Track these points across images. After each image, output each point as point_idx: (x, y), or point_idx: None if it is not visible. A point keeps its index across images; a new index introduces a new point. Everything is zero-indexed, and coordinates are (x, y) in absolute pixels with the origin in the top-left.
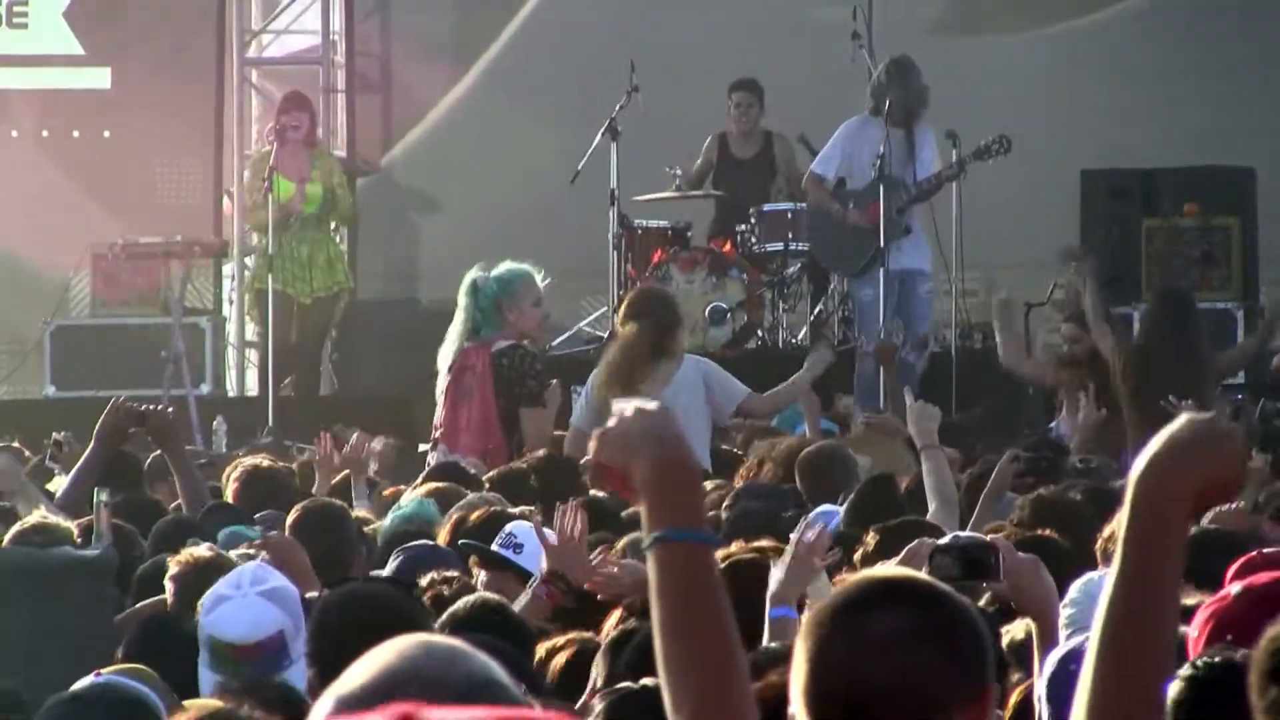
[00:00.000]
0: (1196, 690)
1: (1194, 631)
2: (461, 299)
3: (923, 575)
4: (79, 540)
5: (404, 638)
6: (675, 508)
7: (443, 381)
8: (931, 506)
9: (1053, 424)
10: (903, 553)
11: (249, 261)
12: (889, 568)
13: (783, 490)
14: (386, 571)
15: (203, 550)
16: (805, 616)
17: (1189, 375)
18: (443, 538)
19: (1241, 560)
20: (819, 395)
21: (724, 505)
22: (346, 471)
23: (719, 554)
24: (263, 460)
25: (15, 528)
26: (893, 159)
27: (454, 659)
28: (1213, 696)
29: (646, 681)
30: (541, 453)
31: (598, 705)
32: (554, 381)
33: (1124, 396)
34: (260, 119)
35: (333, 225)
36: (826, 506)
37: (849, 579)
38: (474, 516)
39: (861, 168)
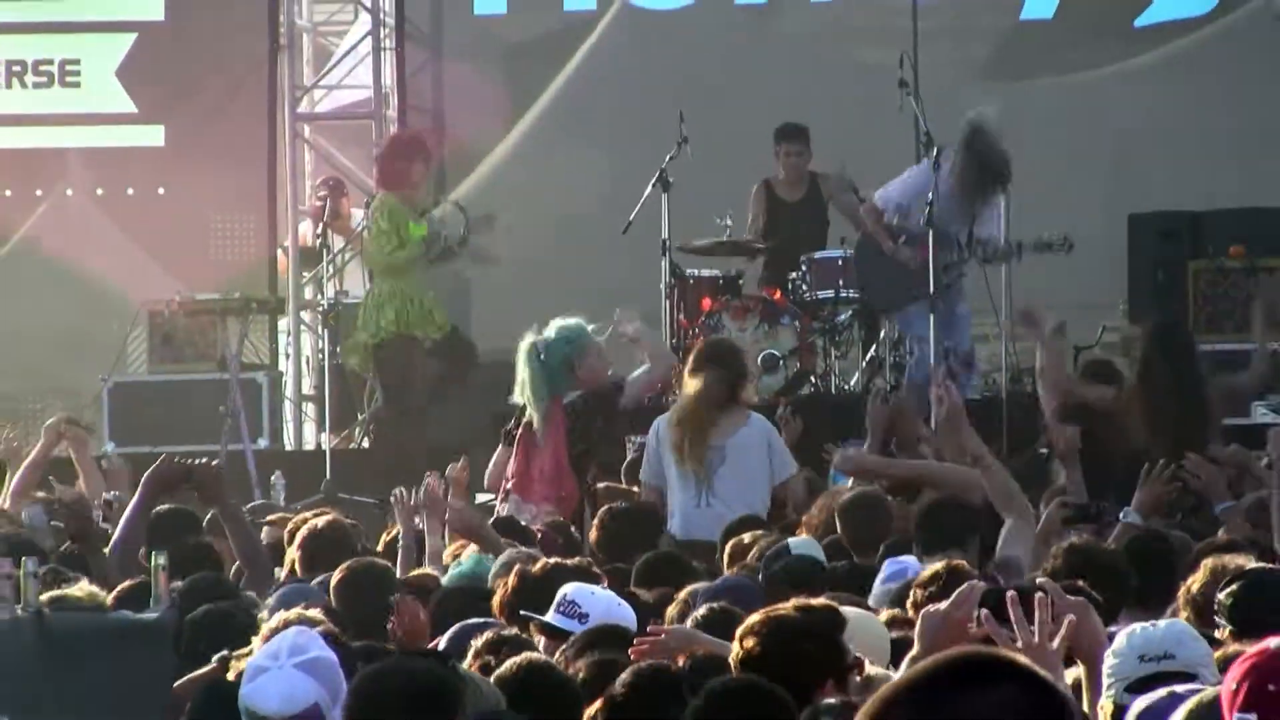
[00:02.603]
0: None
1: (1231, 683)
2: (524, 366)
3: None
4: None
5: None
6: None
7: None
8: (1008, 522)
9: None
10: (953, 596)
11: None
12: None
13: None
14: (442, 643)
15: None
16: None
17: (1187, 408)
18: (497, 600)
19: None
20: None
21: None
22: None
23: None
24: (321, 519)
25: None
26: (949, 213)
27: None
28: None
29: None
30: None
31: None
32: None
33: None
34: (313, 174)
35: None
36: (901, 560)
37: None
38: (536, 569)
39: (919, 213)
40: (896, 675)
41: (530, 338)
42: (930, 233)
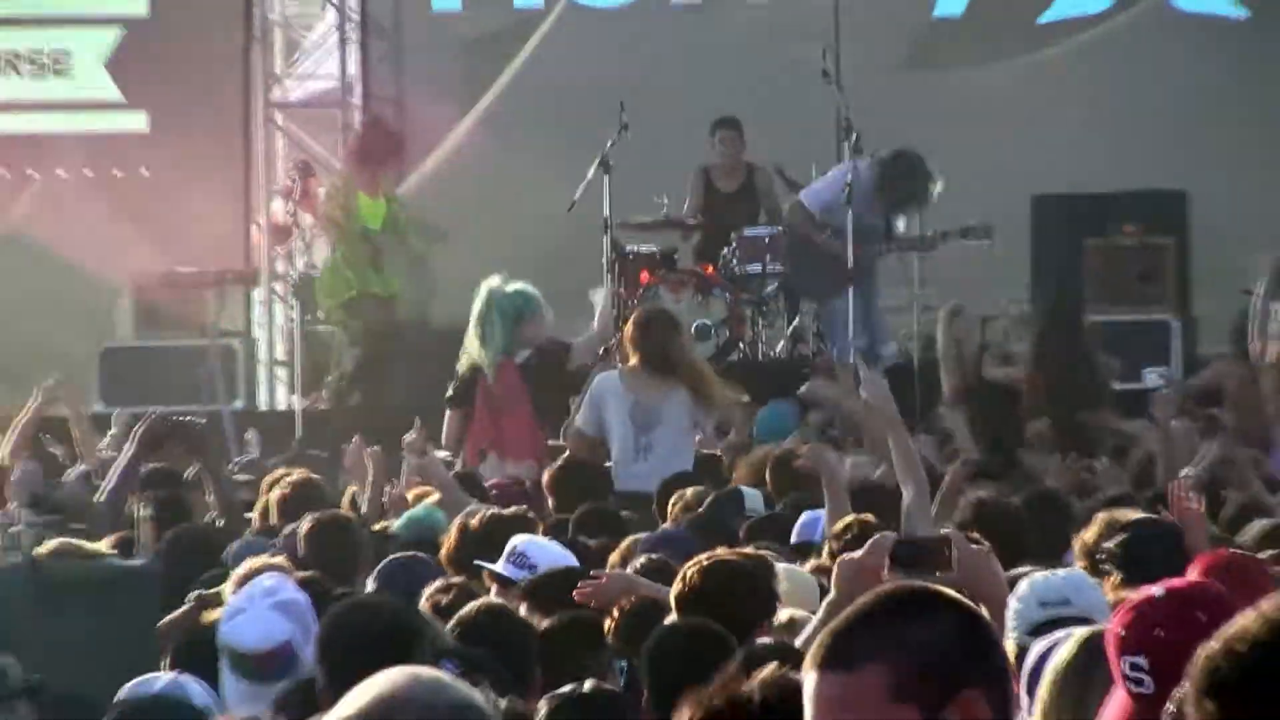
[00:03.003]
0: None
1: (1119, 628)
2: (479, 306)
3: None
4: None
5: (396, 669)
6: None
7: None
8: (906, 494)
9: None
10: (867, 545)
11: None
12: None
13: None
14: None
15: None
16: None
17: (1080, 378)
18: (447, 546)
19: (1210, 559)
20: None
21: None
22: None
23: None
24: (297, 474)
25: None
26: (869, 208)
27: (440, 689)
28: None
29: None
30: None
31: (542, 707)
32: None
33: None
34: (284, 156)
35: None
36: (816, 513)
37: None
38: (478, 521)
39: (842, 210)
40: (816, 618)
41: (491, 284)
42: (851, 226)
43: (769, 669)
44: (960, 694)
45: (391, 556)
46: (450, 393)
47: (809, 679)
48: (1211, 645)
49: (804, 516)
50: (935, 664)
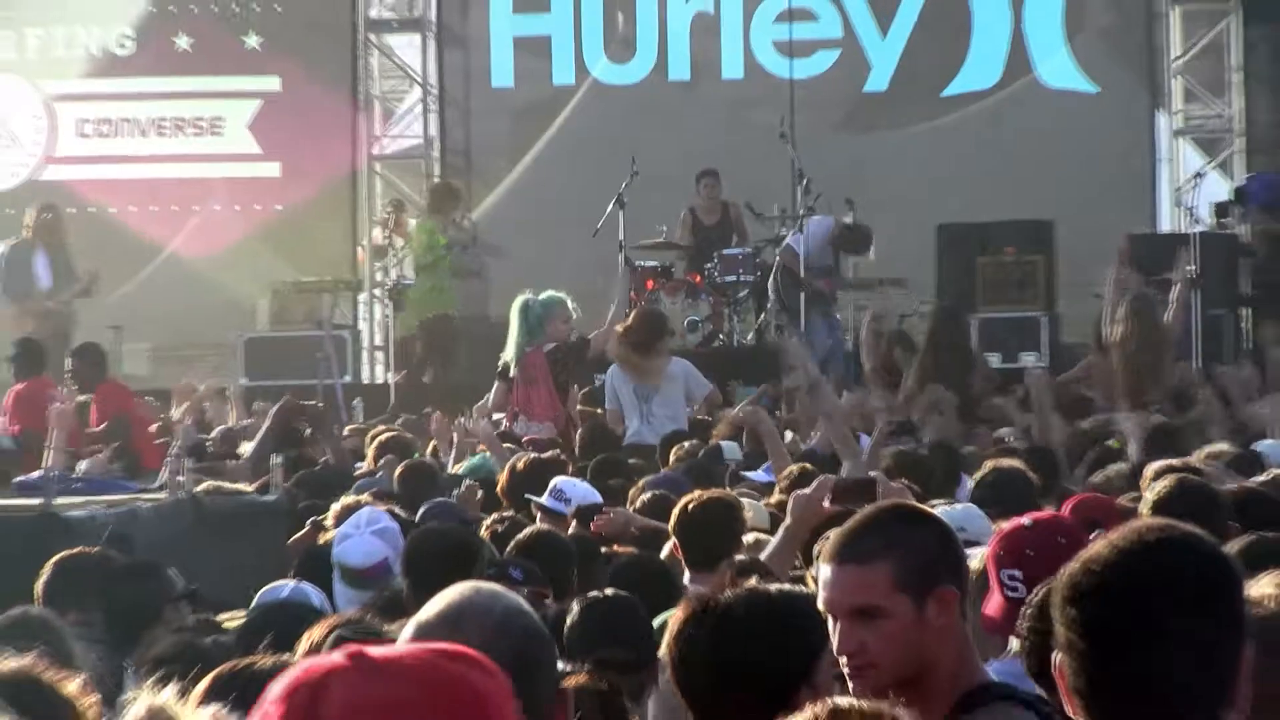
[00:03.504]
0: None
1: (996, 549)
2: (515, 315)
3: None
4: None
5: (463, 584)
6: None
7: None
8: (845, 467)
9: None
10: (814, 484)
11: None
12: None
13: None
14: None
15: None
16: None
17: (963, 363)
18: (501, 482)
19: (1075, 498)
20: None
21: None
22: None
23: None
24: (391, 431)
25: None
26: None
27: (495, 598)
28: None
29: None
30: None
31: (575, 606)
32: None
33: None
34: (382, 195)
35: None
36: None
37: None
38: (523, 464)
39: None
40: (775, 540)
41: (524, 296)
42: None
43: (749, 580)
44: (939, 588)
45: (431, 501)
46: (498, 371)
47: (826, 570)
48: (1072, 565)
49: (764, 465)
50: (925, 563)
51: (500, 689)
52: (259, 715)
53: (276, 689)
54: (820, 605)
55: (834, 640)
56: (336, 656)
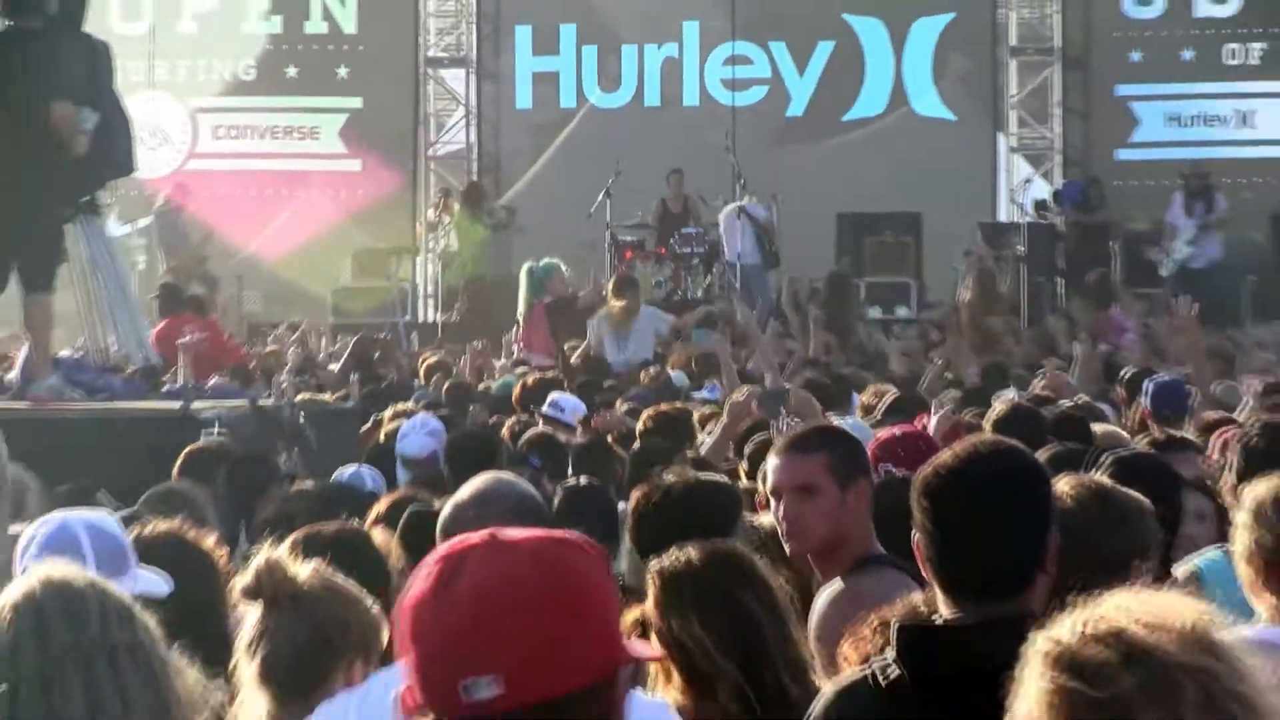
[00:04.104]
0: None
1: (874, 449)
2: (523, 277)
3: None
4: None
5: (487, 473)
6: None
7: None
8: (767, 380)
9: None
10: (745, 393)
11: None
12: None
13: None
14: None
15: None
16: None
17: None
18: (515, 394)
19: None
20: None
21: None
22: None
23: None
24: (437, 356)
25: (303, 395)
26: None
27: (511, 485)
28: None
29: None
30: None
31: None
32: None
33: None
34: (434, 186)
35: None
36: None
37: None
38: (530, 381)
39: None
40: (713, 436)
41: (528, 263)
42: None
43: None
44: (858, 481)
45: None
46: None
47: (775, 460)
48: (925, 467)
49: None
50: (850, 461)
51: (597, 567)
52: (420, 572)
53: (433, 556)
54: (769, 489)
55: (777, 513)
56: (477, 536)
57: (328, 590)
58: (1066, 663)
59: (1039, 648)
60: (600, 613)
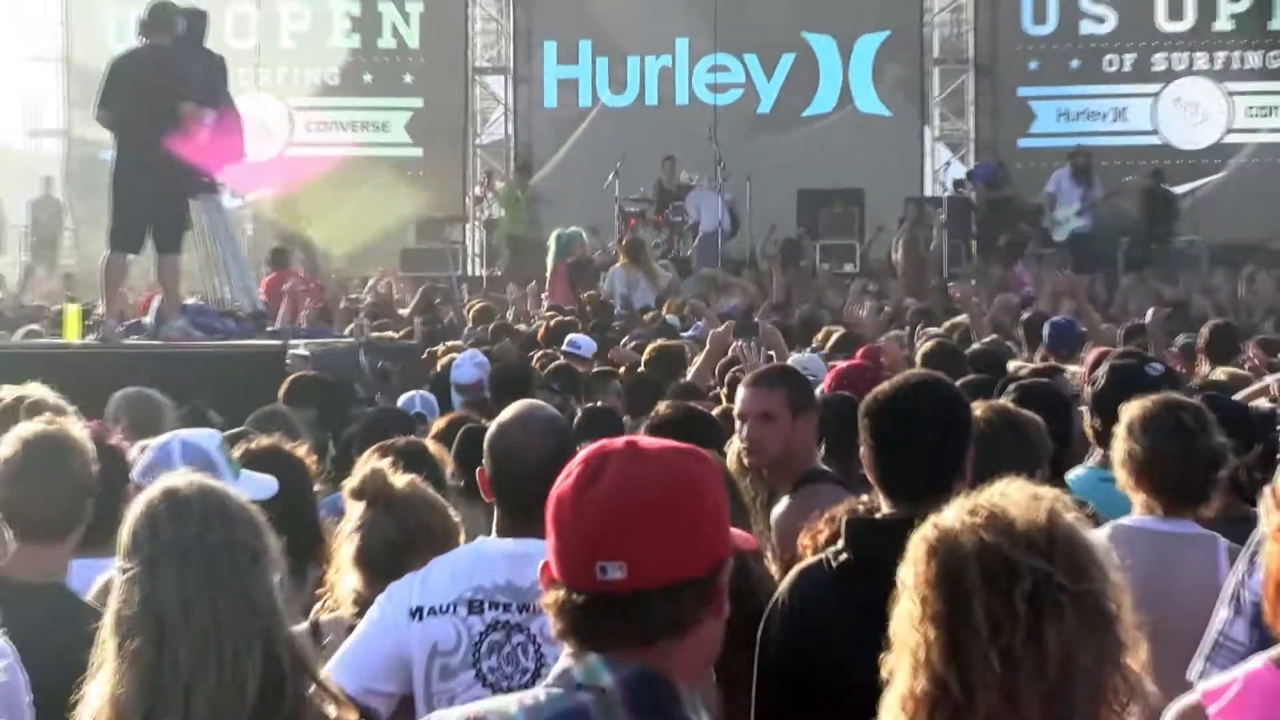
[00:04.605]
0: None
1: (829, 380)
2: (551, 242)
3: None
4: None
5: (525, 399)
6: None
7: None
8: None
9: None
10: (722, 326)
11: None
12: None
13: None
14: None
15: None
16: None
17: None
18: (540, 333)
19: (869, 349)
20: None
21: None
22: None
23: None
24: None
25: (375, 334)
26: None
27: (541, 408)
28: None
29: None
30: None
31: (579, 411)
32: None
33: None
34: (480, 168)
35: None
36: (699, 323)
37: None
38: (553, 323)
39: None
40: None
41: (556, 231)
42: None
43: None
44: (808, 411)
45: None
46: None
47: (744, 391)
48: (869, 396)
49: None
50: (802, 395)
51: (712, 474)
52: (569, 469)
53: (580, 457)
54: (737, 413)
55: (741, 431)
56: (618, 442)
57: (418, 499)
58: (935, 547)
59: (922, 532)
60: (714, 512)
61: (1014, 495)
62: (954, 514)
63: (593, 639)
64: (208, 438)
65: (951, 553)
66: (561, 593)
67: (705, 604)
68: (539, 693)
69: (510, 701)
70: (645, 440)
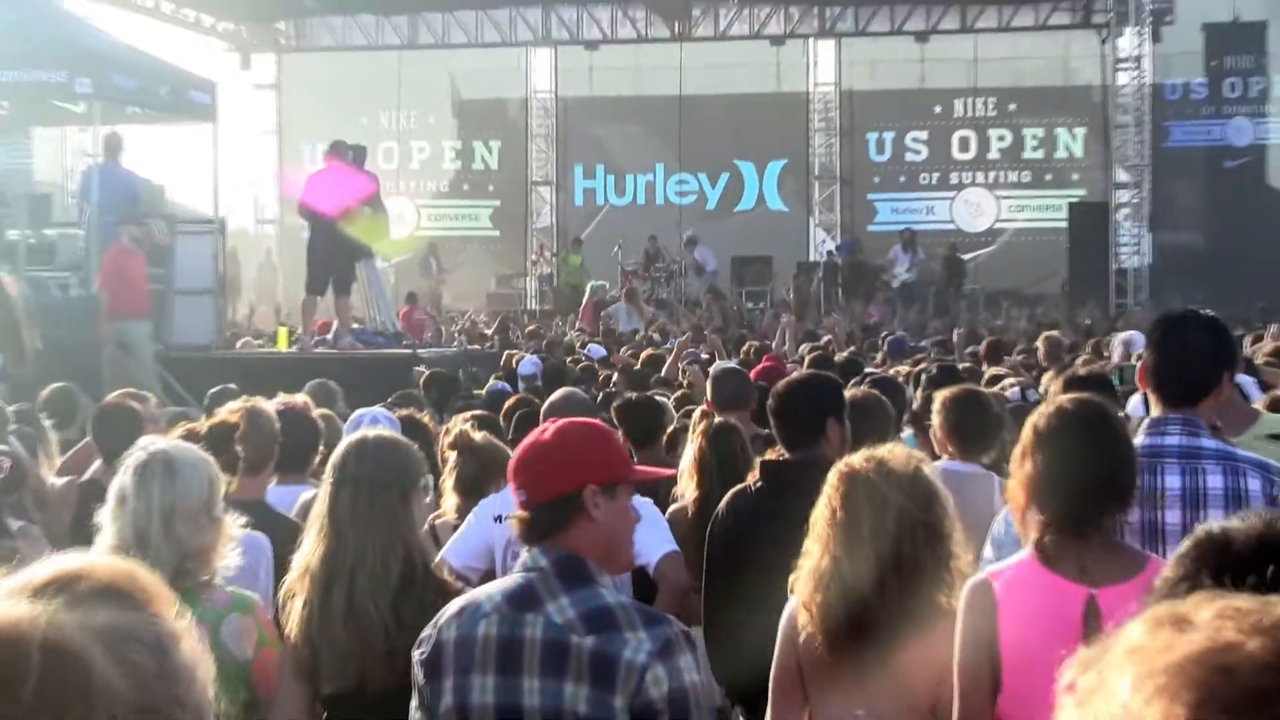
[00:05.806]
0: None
1: (757, 376)
2: (587, 289)
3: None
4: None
5: (565, 388)
6: None
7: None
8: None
9: None
10: (685, 337)
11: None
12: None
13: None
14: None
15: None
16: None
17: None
18: (577, 344)
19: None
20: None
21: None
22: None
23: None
24: (536, 325)
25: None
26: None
27: (577, 393)
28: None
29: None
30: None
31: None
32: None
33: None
34: (535, 243)
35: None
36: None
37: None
38: (580, 340)
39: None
40: (669, 363)
41: (590, 282)
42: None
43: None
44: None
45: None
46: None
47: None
48: (775, 389)
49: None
50: (741, 391)
51: (593, 434)
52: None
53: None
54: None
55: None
56: (546, 425)
57: (490, 447)
58: (844, 476)
59: (838, 466)
60: (577, 455)
61: (896, 452)
62: (859, 459)
63: (527, 538)
64: (384, 414)
65: (852, 482)
66: (518, 512)
67: (578, 510)
68: (510, 576)
69: (495, 585)
70: (565, 419)
